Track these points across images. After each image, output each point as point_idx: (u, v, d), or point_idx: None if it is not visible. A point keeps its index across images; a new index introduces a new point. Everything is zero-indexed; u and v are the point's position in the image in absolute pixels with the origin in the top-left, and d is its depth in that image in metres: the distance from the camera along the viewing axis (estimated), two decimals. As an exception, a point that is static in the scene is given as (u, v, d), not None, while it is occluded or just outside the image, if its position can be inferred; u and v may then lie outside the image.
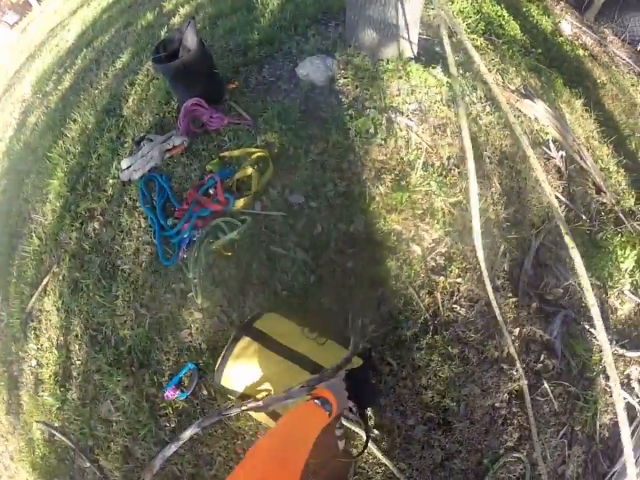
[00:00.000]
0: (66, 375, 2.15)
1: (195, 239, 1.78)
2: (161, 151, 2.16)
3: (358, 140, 1.87)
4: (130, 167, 2.29)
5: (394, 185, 1.79)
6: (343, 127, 1.92)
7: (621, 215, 2.49)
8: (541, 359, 1.83)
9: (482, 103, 2.25)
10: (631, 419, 1.90)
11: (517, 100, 2.49)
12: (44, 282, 2.44)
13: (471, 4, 3.24)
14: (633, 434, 1.87)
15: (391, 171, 1.83)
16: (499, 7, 3.38)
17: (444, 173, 1.87)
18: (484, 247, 1.83)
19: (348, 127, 1.91)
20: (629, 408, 1.90)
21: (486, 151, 2.07)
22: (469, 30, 2.95)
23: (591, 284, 2.02)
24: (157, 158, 2.17)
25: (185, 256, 1.80)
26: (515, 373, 1.74)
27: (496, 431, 1.68)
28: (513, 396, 1.73)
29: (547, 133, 2.47)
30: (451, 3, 3.23)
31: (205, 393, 1.66)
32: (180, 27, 2.31)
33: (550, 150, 2.40)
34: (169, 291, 1.81)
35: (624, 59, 4.08)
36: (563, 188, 2.38)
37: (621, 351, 1.99)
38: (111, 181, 2.46)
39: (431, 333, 1.71)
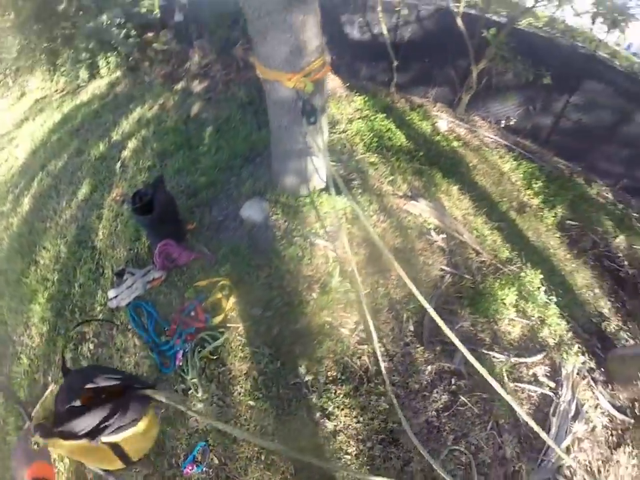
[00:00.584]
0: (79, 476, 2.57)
1: (187, 350, 2.59)
2: (144, 283, 2.99)
3: (291, 263, 2.86)
4: (117, 296, 3.06)
5: (321, 291, 2.77)
6: (280, 255, 2.93)
7: (499, 265, 3.61)
8: (452, 382, 2.75)
9: (377, 214, 3.33)
10: (549, 403, 2.83)
11: (405, 203, 3.64)
12: (42, 399, 2.98)
13: (366, 123, 4.52)
14: (554, 414, 2.78)
15: (318, 281, 2.83)
16: (388, 121, 4.71)
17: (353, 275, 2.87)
18: (392, 319, 2.81)
19: (283, 254, 2.92)
20: (545, 397, 2.85)
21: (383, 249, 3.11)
22: (365, 148, 4.15)
23: (480, 321, 3.07)
24: (140, 289, 2.98)
25: (180, 364, 2.58)
26: (436, 395, 2.64)
27: (435, 437, 2.52)
28: (440, 411, 2.60)
29: (429, 224, 3.60)
30: (349, 124, 4.47)
31: (217, 461, 2.32)
32: (151, 182, 3.21)
33: (432, 236, 3.51)
34: (172, 391, 2.55)
35: (492, 138, 5.57)
36: (447, 261, 3.46)
37: (520, 360, 2.96)
38: (98, 307, 3.18)
39: (366, 383, 2.61)
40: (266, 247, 3.00)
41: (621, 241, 5.20)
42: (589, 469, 2.72)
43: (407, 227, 3.48)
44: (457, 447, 2.51)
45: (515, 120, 6.04)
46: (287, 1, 2.36)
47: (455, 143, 5.00)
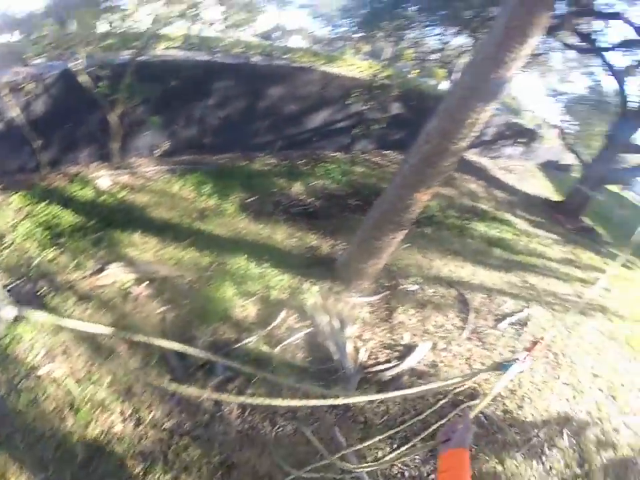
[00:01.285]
0: None
1: None
2: None
3: (32, 410, 2.97)
4: None
5: (74, 412, 2.94)
6: (18, 411, 2.94)
7: (203, 274, 4.58)
8: (231, 388, 3.32)
9: (77, 306, 3.88)
10: (319, 334, 3.77)
11: (97, 279, 4.24)
12: None
13: (31, 221, 4.62)
14: (329, 337, 3.65)
15: (65, 405, 2.98)
16: (51, 207, 4.86)
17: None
18: (145, 385, 3.52)
19: (20, 409, 2.95)
20: (311, 334, 3.59)
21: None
22: (39, 248, 4.37)
23: (217, 326, 3.79)
24: None
25: None
26: (227, 410, 3.24)
27: (256, 435, 2.99)
28: (240, 416, 3.14)
29: (127, 282, 4.26)
30: (15, 230, 4.52)
31: None
32: None
33: (134, 291, 4.22)
34: None
35: (152, 170, 6.38)
36: (159, 302, 4.11)
37: (269, 328, 3.77)
38: None
39: (167, 449, 2.90)
40: (3, 413, 2.99)
41: (297, 187, 6.87)
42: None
43: (109, 300, 4.00)
44: (278, 425, 3.09)
45: (167, 144, 6.89)
46: None
47: (122, 193, 5.58)
